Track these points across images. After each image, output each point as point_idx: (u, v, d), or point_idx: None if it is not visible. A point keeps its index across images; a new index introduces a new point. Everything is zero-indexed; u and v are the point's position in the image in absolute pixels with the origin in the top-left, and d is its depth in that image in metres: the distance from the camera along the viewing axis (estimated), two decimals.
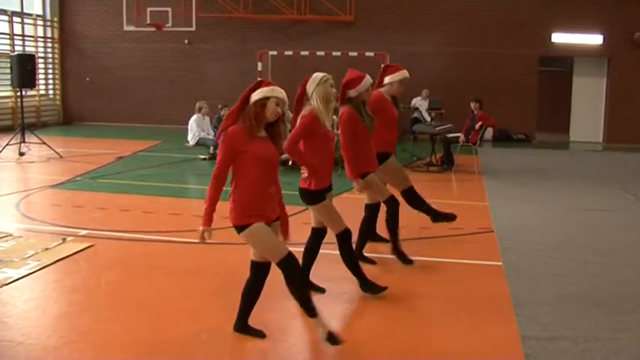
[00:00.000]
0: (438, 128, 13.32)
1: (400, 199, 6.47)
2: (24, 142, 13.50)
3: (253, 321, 4.63)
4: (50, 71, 21.47)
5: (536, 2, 18.57)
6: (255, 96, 4.37)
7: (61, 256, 6.38)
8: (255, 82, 4.52)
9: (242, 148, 4.28)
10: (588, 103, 19.21)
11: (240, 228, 4.39)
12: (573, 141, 19.20)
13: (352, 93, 5.91)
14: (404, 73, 6.67)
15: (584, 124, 19.25)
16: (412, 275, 6.15)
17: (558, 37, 18.58)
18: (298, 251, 6.68)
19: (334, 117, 6.22)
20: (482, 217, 8.63)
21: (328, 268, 6.04)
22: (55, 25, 21.29)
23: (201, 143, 13.39)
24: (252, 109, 4.35)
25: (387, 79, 6.66)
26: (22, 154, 13.21)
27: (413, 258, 6.50)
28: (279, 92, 4.40)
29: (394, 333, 4.89)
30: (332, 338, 4.40)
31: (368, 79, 5.93)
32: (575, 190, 10.91)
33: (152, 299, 5.38)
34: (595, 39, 18.42)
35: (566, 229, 8.17)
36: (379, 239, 6.99)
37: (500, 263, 6.49)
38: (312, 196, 5.30)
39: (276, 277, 4.56)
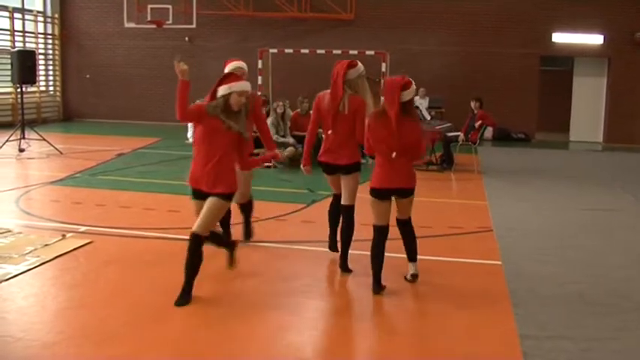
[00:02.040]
0: (437, 127, 13.31)
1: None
2: (24, 138, 13.49)
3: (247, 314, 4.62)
4: (51, 68, 21.47)
5: (536, 2, 18.58)
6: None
7: (60, 253, 6.38)
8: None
9: None
10: (588, 103, 19.23)
11: None
12: (573, 141, 19.21)
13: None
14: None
15: (584, 123, 19.27)
16: None
17: (559, 37, 18.59)
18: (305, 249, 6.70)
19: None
20: (481, 216, 8.63)
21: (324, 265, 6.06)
22: (56, 21, 21.29)
23: None
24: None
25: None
26: (22, 150, 13.20)
27: None
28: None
29: (392, 331, 4.90)
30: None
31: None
32: (575, 190, 10.91)
33: (151, 296, 5.38)
34: (595, 39, 18.43)
35: (566, 228, 8.17)
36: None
37: (499, 262, 6.50)
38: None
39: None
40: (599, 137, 19.12)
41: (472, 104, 12.86)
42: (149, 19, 18.27)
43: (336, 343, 4.67)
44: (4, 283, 5.49)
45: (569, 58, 19.41)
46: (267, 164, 12.17)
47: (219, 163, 5.09)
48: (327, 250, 6.45)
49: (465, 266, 6.44)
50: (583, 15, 18.20)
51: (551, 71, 20.19)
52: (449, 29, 18.96)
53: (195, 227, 5.12)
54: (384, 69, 16.86)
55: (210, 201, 5.10)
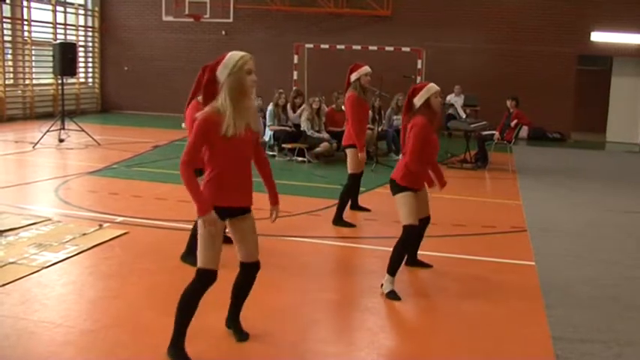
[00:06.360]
0: (472, 125, 13.24)
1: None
2: (64, 128, 13.75)
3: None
4: (90, 60, 21.84)
5: (575, 0, 18.32)
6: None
7: (97, 242, 6.52)
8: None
9: None
10: (626, 104, 18.93)
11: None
12: (610, 141, 18.93)
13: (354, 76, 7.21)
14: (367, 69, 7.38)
15: (621, 124, 18.97)
16: (444, 273, 6.14)
17: (598, 36, 18.30)
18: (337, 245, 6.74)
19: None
20: (515, 215, 8.58)
21: (368, 263, 6.10)
22: (96, 14, 21.64)
23: None
24: None
25: (354, 76, 7.33)
26: (61, 140, 13.46)
27: (446, 255, 6.51)
28: None
29: (424, 331, 4.91)
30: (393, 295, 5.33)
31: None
32: (610, 192, 10.78)
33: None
34: (635, 38, 18.11)
35: (601, 230, 8.09)
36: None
37: (533, 263, 6.46)
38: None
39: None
40: (636, 138, 18.80)
41: (508, 103, 12.76)
42: (187, 12, 18.44)
43: (363, 341, 4.69)
44: (44, 270, 5.64)
45: (607, 57, 19.12)
46: (301, 159, 12.25)
47: None
48: (359, 245, 6.44)
49: (498, 266, 6.42)
50: (623, 14, 17.89)
51: (588, 71, 19.91)
52: (485, 27, 18.81)
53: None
54: (419, 66, 16.81)
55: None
